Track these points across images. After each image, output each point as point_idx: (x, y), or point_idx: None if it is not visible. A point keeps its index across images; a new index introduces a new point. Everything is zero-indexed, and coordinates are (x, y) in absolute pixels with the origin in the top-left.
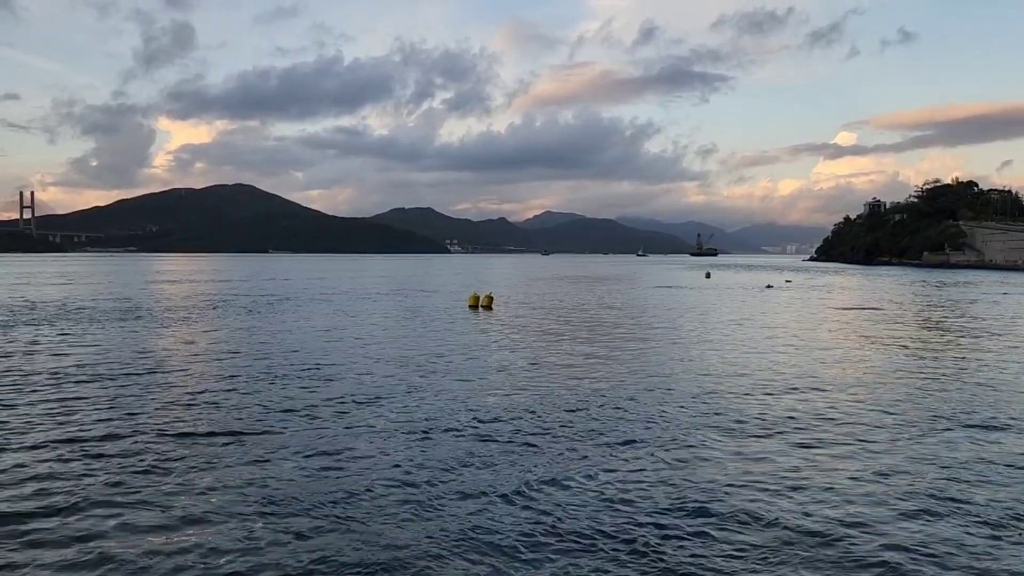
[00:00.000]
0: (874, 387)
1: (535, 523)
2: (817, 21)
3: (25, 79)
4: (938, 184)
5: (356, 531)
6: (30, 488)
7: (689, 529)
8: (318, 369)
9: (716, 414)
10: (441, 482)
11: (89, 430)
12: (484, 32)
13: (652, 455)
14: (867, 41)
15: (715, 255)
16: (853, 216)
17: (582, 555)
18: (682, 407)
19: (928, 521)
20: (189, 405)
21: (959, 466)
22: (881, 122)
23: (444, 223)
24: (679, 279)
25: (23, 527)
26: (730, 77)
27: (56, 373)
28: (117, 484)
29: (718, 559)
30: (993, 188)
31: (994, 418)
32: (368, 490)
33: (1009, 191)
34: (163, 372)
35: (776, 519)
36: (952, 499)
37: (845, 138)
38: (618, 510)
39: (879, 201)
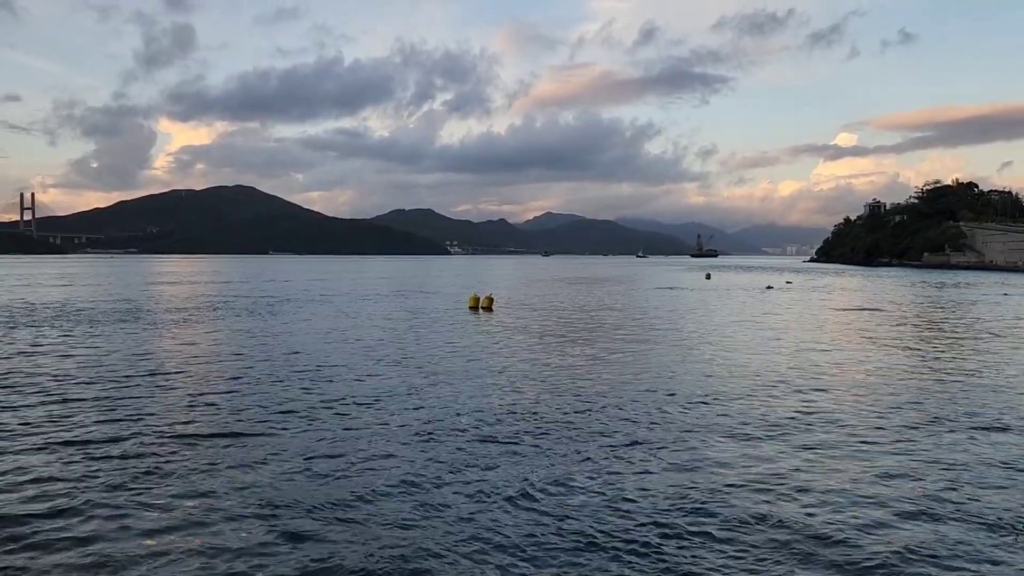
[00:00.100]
0: (875, 388)
1: (538, 524)
2: (817, 22)
3: (26, 81)
4: (938, 185)
5: (358, 532)
6: (31, 490)
7: (691, 530)
8: (319, 370)
9: (718, 415)
10: (443, 483)
11: (90, 432)
12: (484, 33)
13: (654, 456)
14: (867, 42)
15: (715, 256)
16: (853, 217)
17: (585, 555)
18: (684, 408)
19: (930, 523)
20: (190, 407)
21: (961, 468)
22: (881, 123)
23: (444, 224)
24: (679, 280)
25: (24, 529)
26: (730, 78)
27: (57, 375)
28: (118, 486)
29: (720, 560)
30: (993, 189)
31: (996, 420)
32: (370, 491)
33: (1009, 192)
34: (164, 374)
35: (778, 520)
36: (954, 501)
37: (845, 139)
38: (621, 511)
39: (879, 202)
